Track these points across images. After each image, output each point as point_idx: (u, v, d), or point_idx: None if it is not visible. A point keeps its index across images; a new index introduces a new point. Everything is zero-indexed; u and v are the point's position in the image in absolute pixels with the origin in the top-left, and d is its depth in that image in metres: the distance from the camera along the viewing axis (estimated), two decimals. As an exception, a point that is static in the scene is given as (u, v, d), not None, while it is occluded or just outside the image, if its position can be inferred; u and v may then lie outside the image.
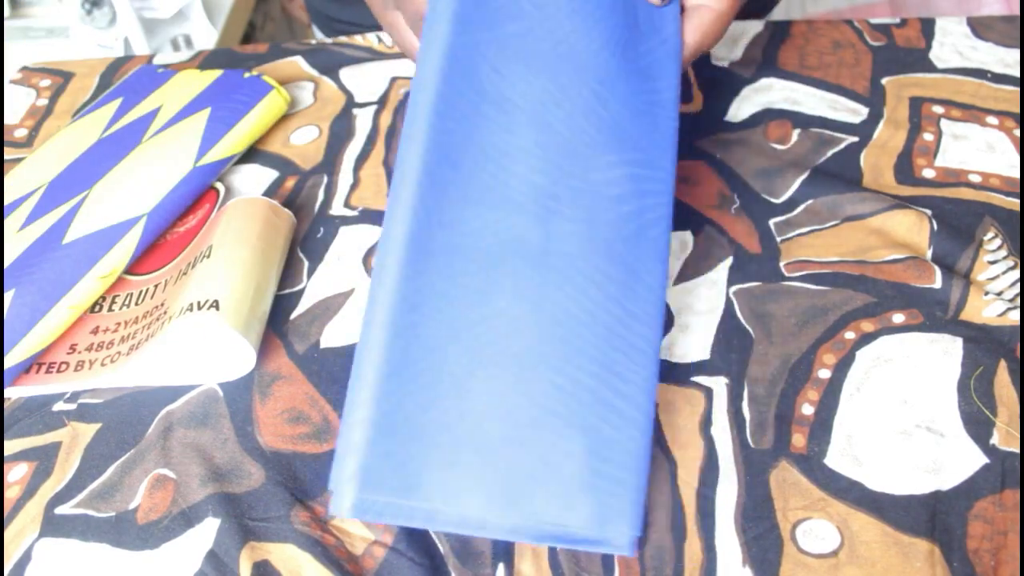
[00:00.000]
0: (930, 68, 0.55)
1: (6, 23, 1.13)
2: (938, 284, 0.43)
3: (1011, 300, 0.42)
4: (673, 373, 0.41)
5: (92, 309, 0.45)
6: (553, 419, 0.32)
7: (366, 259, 0.48)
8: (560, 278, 0.33)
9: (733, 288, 0.44)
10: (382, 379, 0.30)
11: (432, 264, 0.32)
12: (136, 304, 0.45)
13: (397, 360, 0.31)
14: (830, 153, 0.50)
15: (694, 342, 0.43)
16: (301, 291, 0.46)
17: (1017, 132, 0.51)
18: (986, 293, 0.42)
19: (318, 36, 0.71)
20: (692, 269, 0.46)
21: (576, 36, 0.36)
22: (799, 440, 0.39)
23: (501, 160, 0.33)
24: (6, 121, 0.59)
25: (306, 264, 0.48)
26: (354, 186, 0.52)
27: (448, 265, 0.32)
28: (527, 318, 0.32)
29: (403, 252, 0.31)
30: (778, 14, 0.72)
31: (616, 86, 0.36)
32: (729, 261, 0.46)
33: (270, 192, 0.51)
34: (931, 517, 0.36)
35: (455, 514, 0.31)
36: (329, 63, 0.60)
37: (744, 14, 0.65)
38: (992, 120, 0.51)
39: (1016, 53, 0.56)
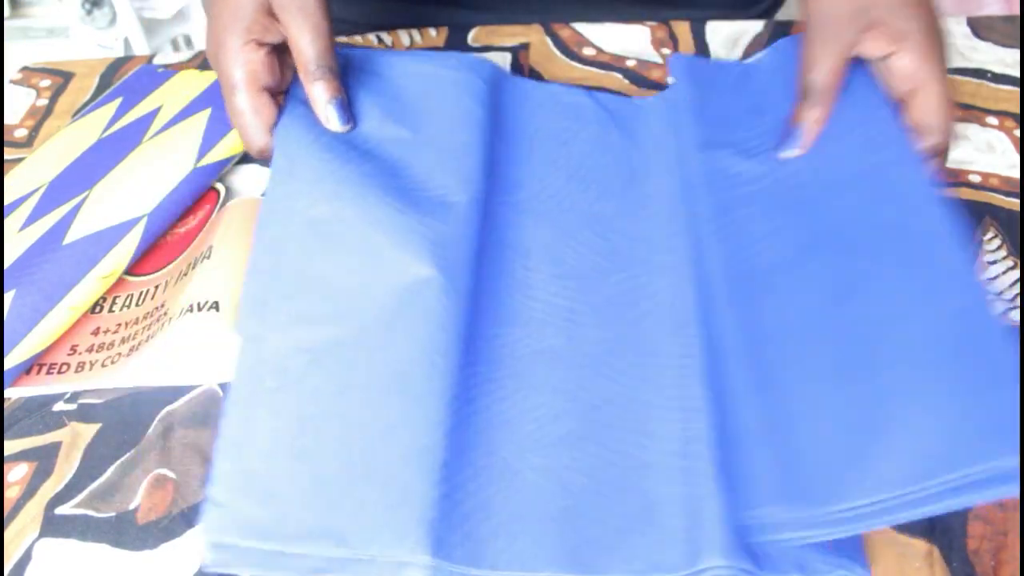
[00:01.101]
0: (930, 68, 0.55)
1: (6, 23, 1.13)
2: (938, 284, 0.43)
3: (1011, 300, 0.42)
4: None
5: (92, 310, 0.45)
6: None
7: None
8: (589, 373, 0.39)
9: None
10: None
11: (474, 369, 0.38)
12: (136, 305, 0.45)
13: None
14: (830, 153, 0.50)
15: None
16: (301, 291, 0.46)
17: (1017, 132, 0.51)
18: (986, 293, 0.42)
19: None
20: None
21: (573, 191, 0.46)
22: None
23: (526, 291, 0.42)
24: (6, 121, 0.59)
25: (306, 264, 0.48)
26: (354, 186, 0.52)
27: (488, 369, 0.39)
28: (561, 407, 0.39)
29: (452, 359, 0.37)
30: (778, 14, 0.72)
31: (614, 222, 0.45)
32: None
33: (270, 192, 0.51)
34: (930, 517, 0.36)
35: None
36: (329, 63, 0.60)
37: (745, 14, 0.65)
38: (992, 120, 0.51)
39: (1016, 53, 0.56)
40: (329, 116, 0.43)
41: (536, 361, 0.39)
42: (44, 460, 0.40)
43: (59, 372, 0.42)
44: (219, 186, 0.51)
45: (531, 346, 0.40)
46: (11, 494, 0.39)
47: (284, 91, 0.45)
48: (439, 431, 0.35)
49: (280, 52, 0.44)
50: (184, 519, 0.38)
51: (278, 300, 0.38)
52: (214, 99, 0.52)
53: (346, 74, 0.46)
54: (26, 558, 0.37)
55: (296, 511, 0.33)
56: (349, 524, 0.33)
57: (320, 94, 0.42)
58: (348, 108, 0.44)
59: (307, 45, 0.42)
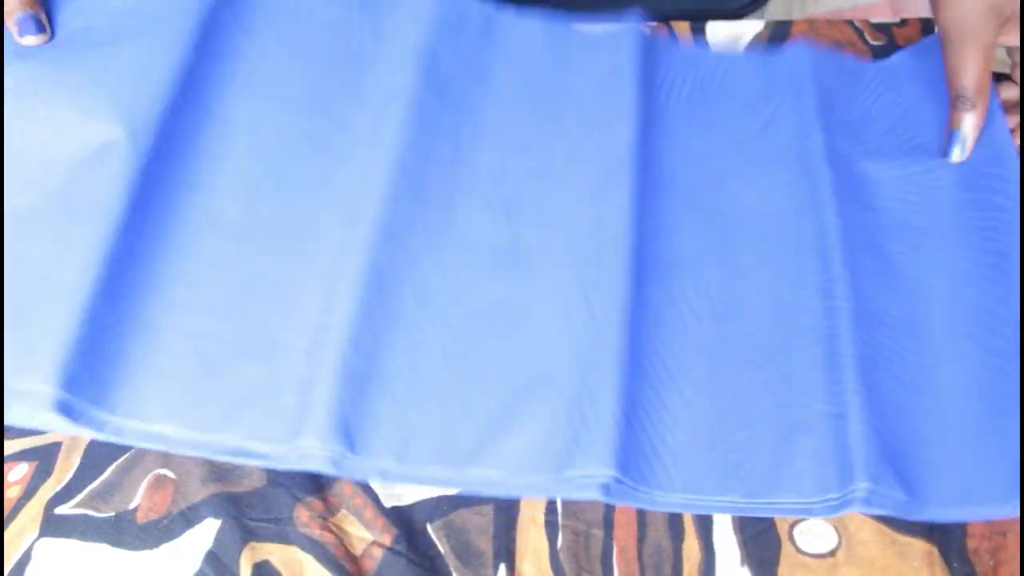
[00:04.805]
0: (930, 68, 0.55)
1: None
2: (937, 284, 0.43)
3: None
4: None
5: None
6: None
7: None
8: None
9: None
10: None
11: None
12: None
13: None
14: (830, 153, 0.50)
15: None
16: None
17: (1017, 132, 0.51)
18: (985, 293, 0.42)
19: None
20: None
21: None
22: (798, 440, 0.39)
23: (215, 157, 0.42)
24: (7, 122, 0.59)
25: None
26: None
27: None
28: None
29: (118, 215, 0.37)
30: (779, 14, 0.72)
31: (328, 105, 0.45)
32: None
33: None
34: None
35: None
36: (329, 63, 0.60)
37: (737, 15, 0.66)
38: (992, 120, 0.51)
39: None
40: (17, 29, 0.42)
41: (202, 228, 0.40)
42: (44, 460, 0.40)
43: None
44: None
45: (206, 214, 0.41)
46: (11, 494, 0.39)
47: None
48: (89, 274, 0.36)
49: None
50: (184, 519, 0.38)
51: None
52: None
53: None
54: (26, 558, 0.37)
55: None
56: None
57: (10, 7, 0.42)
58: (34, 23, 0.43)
59: None
